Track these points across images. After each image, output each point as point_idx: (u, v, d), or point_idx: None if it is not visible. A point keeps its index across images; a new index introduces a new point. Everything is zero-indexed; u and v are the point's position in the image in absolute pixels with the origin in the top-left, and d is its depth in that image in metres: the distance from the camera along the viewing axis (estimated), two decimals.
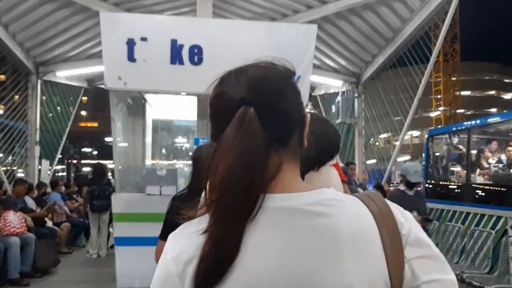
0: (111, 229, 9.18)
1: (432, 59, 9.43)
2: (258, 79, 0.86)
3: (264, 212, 0.81)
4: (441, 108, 39.95)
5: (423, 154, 10.48)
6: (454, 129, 10.37)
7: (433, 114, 40.74)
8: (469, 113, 42.43)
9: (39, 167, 11.32)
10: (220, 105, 0.86)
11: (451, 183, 9.36)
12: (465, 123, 9.86)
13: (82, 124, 34.18)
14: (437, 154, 10.10)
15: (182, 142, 9.36)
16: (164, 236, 2.68)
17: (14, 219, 6.86)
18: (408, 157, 32.27)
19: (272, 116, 0.84)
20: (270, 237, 0.80)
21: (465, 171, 8.95)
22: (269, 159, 0.83)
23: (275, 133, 0.84)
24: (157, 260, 2.61)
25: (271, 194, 0.82)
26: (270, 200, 0.81)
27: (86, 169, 33.29)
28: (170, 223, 2.65)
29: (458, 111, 40.05)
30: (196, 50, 5.66)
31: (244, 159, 0.79)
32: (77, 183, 12.37)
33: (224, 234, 0.79)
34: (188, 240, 0.83)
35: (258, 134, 0.81)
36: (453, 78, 39.49)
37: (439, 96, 39.44)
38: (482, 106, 46.16)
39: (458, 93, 40.13)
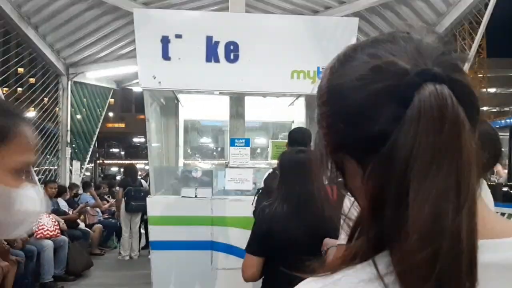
0: (142, 230, 9.11)
1: (472, 54, 9.04)
2: (440, 48, 0.55)
3: (480, 273, 0.49)
4: None
5: None
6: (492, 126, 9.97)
7: None
8: (495, 110, 41.41)
9: (70, 168, 11.33)
10: (378, 77, 0.53)
11: (491, 183, 8.99)
12: (507, 120, 9.47)
13: (110, 125, 34.49)
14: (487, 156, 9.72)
15: (214, 142, 9.21)
16: (252, 249, 2.45)
17: (47, 222, 6.80)
18: None
19: (469, 106, 0.53)
20: None
21: (505, 171, 8.59)
22: None
23: None
24: (244, 276, 2.36)
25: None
26: (481, 251, 0.50)
27: (114, 169, 33.57)
28: (259, 236, 2.46)
29: (485, 108, 39.13)
30: (232, 47, 5.46)
31: (463, 175, 0.48)
32: (108, 184, 12.35)
33: None
34: None
35: (471, 131, 0.50)
36: (479, 75, 38.59)
37: None
38: (510, 103, 44.95)
39: (484, 90, 39.21)
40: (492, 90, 42.34)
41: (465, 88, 0.53)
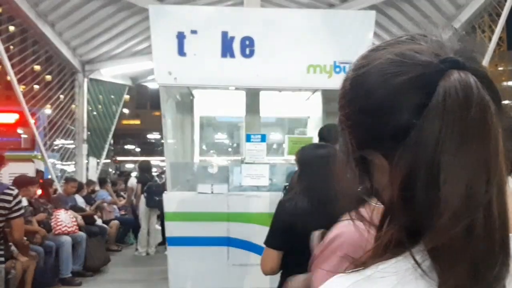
0: (157, 226, 9.14)
1: (492, 46, 8.87)
2: (465, 39, 0.58)
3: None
4: None
5: None
6: None
7: None
8: None
9: (86, 162, 11.42)
10: (402, 70, 0.54)
11: None
12: None
13: (125, 122, 34.75)
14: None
15: (230, 138, 9.20)
16: (271, 243, 2.44)
17: (65, 218, 6.85)
18: None
19: (492, 96, 0.53)
20: None
21: None
22: None
23: None
24: (263, 269, 2.37)
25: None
26: None
27: (129, 166, 33.83)
28: (279, 230, 2.45)
29: (506, 102, 38.49)
30: (247, 42, 5.42)
31: (492, 161, 0.49)
32: (124, 181, 12.43)
33: None
34: None
35: (497, 116, 0.51)
36: (499, 68, 37.97)
37: None
38: None
39: (505, 83, 38.57)
40: None
41: (487, 77, 0.54)
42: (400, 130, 0.53)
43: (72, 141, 11.31)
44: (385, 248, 0.53)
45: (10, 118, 9.09)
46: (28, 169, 8.84)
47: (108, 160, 28.94)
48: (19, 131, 9.73)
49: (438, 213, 0.49)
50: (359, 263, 0.54)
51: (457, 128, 0.49)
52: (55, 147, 10.76)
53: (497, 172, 0.50)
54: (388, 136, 0.54)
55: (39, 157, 9.60)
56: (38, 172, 9.18)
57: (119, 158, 35.07)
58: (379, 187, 0.60)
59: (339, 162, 0.62)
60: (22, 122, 8.95)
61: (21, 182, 5.97)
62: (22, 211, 3.82)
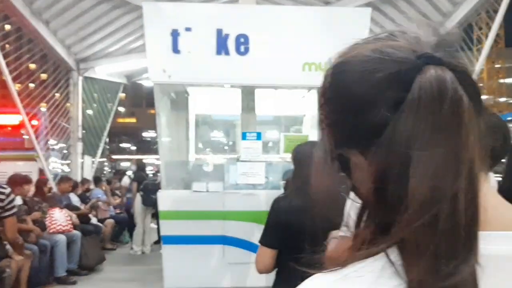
0: (153, 225, 9.13)
1: (489, 43, 8.87)
2: (442, 34, 0.57)
3: (488, 264, 0.49)
4: (483, 97, 38.53)
5: None
6: (510, 118, 9.78)
7: None
8: None
9: (82, 161, 11.38)
10: (379, 66, 0.53)
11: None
12: None
13: (120, 120, 34.63)
14: (494, 146, 9.55)
15: (226, 136, 9.18)
16: (266, 241, 2.43)
17: (60, 217, 6.82)
18: None
19: (470, 90, 0.53)
20: None
21: None
22: None
23: None
24: (258, 267, 2.36)
25: (482, 232, 0.51)
26: (482, 242, 0.50)
27: (124, 164, 33.75)
28: (273, 228, 2.44)
29: (503, 99, 38.60)
30: (242, 40, 5.40)
31: (462, 153, 0.49)
32: (119, 179, 12.38)
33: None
34: None
35: (472, 110, 0.51)
36: (496, 65, 38.04)
37: (481, 84, 38.06)
38: None
39: (502, 80, 38.64)
40: (510, 80, 41.64)
41: (465, 73, 0.54)
42: (377, 127, 0.52)
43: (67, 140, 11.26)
44: (362, 244, 0.53)
45: (15, 119, 9.29)
46: (32, 168, 8.95)
47: (104, 159, 28.90)
48: (22, 131, 9.89)
49: (406, 206, 0.49)
50: (338, 262, 0.54)
51: (429, 122, 0.50)
52: (56, 147, 10.83)
53: (467, 166, 0.49)
54: (366, 134, 0.54)
55: (40, 156, 9.68)
56: (41, 170, 9.33)
57: (114, 157, 34.97)
58: (358, 185, 0.60)
59: (319, 161, 0.62)
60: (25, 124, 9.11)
61: (16, 181, 5.94)
62: (15, 209, 3.80)
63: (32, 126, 9.32)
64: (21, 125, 9.32)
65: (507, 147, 1.35)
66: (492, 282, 0.49)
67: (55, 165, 10.79)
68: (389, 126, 0.51)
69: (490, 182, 1.25)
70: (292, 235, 2.35)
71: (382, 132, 0.52)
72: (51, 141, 10.60)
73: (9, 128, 9.17)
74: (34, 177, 8.02)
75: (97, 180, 10.50)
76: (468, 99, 0.51)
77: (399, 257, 0.50)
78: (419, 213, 0.48)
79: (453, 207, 0.48)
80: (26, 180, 6.38)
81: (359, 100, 0.55)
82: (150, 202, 8.22)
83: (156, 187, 8.04)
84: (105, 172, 23.50)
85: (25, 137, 9.38)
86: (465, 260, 0.48)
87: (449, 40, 0.57)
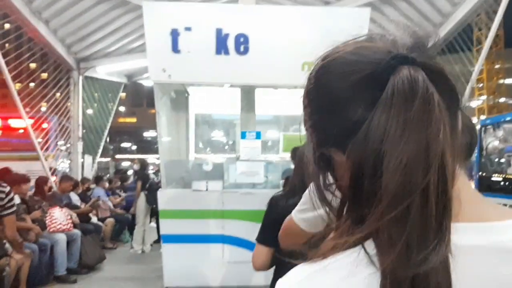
0: (153, 224, 9.14)
1: (487, 44, 8.89)
2: (419, 35, 0.60)
3: (465, 255, 0.51)
4: (483, 97, 38.51)
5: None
6: (509, 118, 9.81)
7: (475, 104, 39.33)
8: None
9: (82, 160, 11.41)
10: (355, 69, 0.56)
11: (508, 176, 8.85)
12: None
13: (121, 120, 34.66)
14: (491, 145, 9.57)
15: (226, 135, 9.19)
16: (262, 239, 2.45)
17: (60, 216, 6.83)
18: None
19: (445, 89, 0.56)
20: None
21: None
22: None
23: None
24: (254, 265, 2.38)
25: (453, 223, 0.52)
26: (456, 232, 0.52)
27: (125, 164, 33.76)
28: (270, 226, 2.45)
29: (502, 100, 38.57)
30: (242, 39, 5.42)
31: (432, 148, 0.51)
32: (120, 178, 12.40)
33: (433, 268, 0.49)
34: None
35: (442, 107, 0.53)
36: (496, 66, 38.02)
37: (481, 85, 38.03)
38: None
39: (502, 81, 38.62)
40: (510, 81, 41.58)
41: (439, 73, 0.56)
42: (356, 125, 0.55)
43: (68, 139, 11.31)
44: (341, 236, 0.55)
45: (27, 123, 9.67)
46: (41, 167, 9.35)
47: (109, 159, 28.95)
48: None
49: (379, 200, 0.51)
50: (320, 253, 0.56)
51: (401, 118, 0.51)
52: (62, 147, 11.12)
53: (437, 159, 0.51)
54: (346, 132, 0.56)
55: (51, 156, 10.28)
56: (50, 169, 9.73)
57: (118, 157, 35.01)
58: (340, 182, 0.62)
59: (308, 161, 0.64)
60: (36, 126, 9.68)
61: (13, 180, 5.94)
62: (14, 208, 3.81)
63: (43, 129, 9.88)
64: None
65: (473, 145, 1.43)
66: (466, 272, 0.51)
67: (64, 165, 11.19)
68: (365, 124, 0.54)
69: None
70: None
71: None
72: (60, 142, 11.02)
73: (21, 131, 9.58)
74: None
75: (98, 179, 10.52)
76: (439, 96, 0.53)
77: (374, 248, 0.52)
78: (391, 206, 0.50)
79: (424, 200, 0.50)
80: (24, 179, 6.40)
81: (338, 101, 0.57)
82: (155, 201, 8.22)
83: (159, 186, 8.08)
84: (109, 172, 23.47)
85: (39, 140, 9.80)
86: (435, 250, 0.49)
87: (426, 41, 0.59)
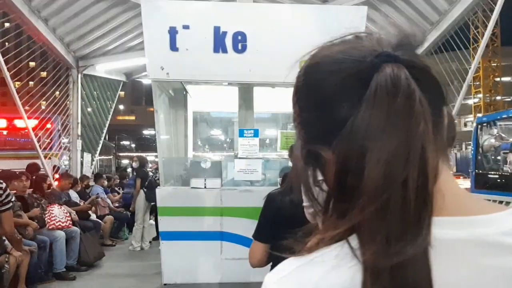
0: (151, 221, 9.17)
1: (484, 42, 8.91)
2: (405, 34, 0.61)
3: (434, 248, 0.52)
4: (479, 95, 38.53)
5: (471, 142, 10.03)
6: (505, 115, 9.85)
7: (472, 101, 39.34)
8: (509, 99, 40.77)
9: (81, 159, 11.44)
10: (341, 67, 0.58)
11: (504, 173, 8.90)
12: None
13: (120, 118, 34.65)
14: (487, 142, 9.61)
15: (224, 133, 9.22)
16: (259, 236, 2.47)
17: (59, 213, 6.86)
18: None
19: (429, 86, 0.57)
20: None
21: None
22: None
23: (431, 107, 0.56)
24: (251, 262, 2.40)
25: (435, 217, 0.53)
26: (437, 226, 0.53)
27: (126, 161, 33.72)
28: (266, 223, 2.47)
29: (499, 97, 38.60)
30: (240, 37, 5.45)
31: (412, 143, 0.52)
32: (119, 176, 12.42)
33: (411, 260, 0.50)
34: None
35: (424, 104, 0.54)
36: (493, 64, 38.04)
37: (477, 83, 38.04)
38: None
39: (498, 79, 38.65)
40: (506, 79, 41.60)
41: (423, 70, 0.58)
42: (342, 122, 0.56)
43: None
44: (326, 231, 0.57)
45: (31, 123, 9.92)
46: (46, 166, 9.53)
47: (111, 157, 28.93)
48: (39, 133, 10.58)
49: (360, 193, 0.52)
50: (307, 247, 0.58)
51: (383, 114, 0.53)
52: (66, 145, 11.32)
53: (417, 153, 0.52)
54: (332, 130, 0.57)
55: (55, 155, 10.52)
56: (54, 167, 9.99)
57: (121, 154, 34.98)
58: (328, 178, 0.63)
59: (297, 159, 0.65)
60: (40, 126, 10.06)
61: (5, 176, 5.96)
62: (11, 204, 3.84)
63: (47, 129, 10.17)
64: (35, 128, 9.97)
65: (451, 140, 1.47)
66: (447, 264, 0.53)
67: (63, 163, 11.30)
68: (349, 120, 0.56)
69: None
70: (284, 230, 2.39)
71: None
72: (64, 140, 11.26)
73: (26, 131, 9.84)
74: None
75: (97, 176, 10.55)
76: (422, 92, 0.54)
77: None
78: (371, 199, 0.51)
79: (404, 193, 0.51)
80: (15, 176, 6.47)
81: (326, 98, 0.59)
82: (154, 199, 8.22)
83: (157, 184, 8.09)
84: (112, 170, 23.46)
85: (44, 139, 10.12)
86: (412, 242, 0.50)
87: (412, 39, 0.60)
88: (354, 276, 0.52)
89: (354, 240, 0.54)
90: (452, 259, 0.53)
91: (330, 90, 0.58)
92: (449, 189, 0.57)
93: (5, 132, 12.30)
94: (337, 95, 0.58)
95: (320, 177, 0.64)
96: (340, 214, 0.56)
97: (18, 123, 11.20)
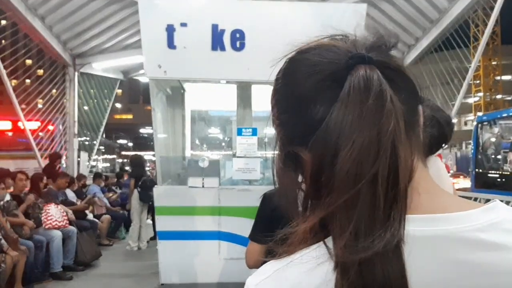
0: (149, 221, 9.11)
1: (484, 41, 8.88)
2: (379, 36, 0.63)
3: (407, 244, 0.53)
4: (480, 94, 38.58)
5: (471, 142, 10.00)
6: (505, 114, 9.83)
7: (472, 100, 39.38)
8: (509, 98, 40.84)
9: (78, 159, 11.39)
10: (317, 68, 0.59)
11: (504, 172, 8.87)
12: None
13: (117, 116, 34.60)
14: (488, 141, 9.59)
15: (222, 132, 9.17)
16: (255, 236, 2.44)
17: (56, 213, 6.81)
18: None
19: (402, 86, 0.59)
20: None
21: None
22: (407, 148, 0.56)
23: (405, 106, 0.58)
24: (248, 263, 2.38)
25: (410, 215, 0.54)
26: (412, 223, 0.54)
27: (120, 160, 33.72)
28: (263, 223, 2.43)
29: (499, 96, 38.67)
30: (238, 35, 5.40)
31: (382, 141, 0.53)
32: (116, 175, 12.37)
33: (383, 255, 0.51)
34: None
35: (395, 103, 0.55)
36: (493, 62, 38.10)
37: (477, 81, 38.09)
38: None
39: (498, 77, 38.71)
40: (507, 77, 41.60)
41: (397, 70, 0.59)
42: (318, 123, 0.57)
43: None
44: (310, 234, 0.57)
45: (34, 125, 10.28)
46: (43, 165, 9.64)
47: (114, 156, 29.02)
48: (40, 134, 10.85)
49: (331, 189, 0.54)
50: (284, 249, 0.59)
51: (356, 113, 0.54)
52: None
53: (387, 151, 0.53)
54: (309, 131, 0.58)
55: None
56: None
57: (125, 153, 34.98)
58: (306, 180, 0.64)
59: (277, 161, 0.66)
60: (42, 128, 10.35)
61: None
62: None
63: (48, 130, 10.53)
64: (37, 130, 10.24)
65: (444, 134, 1.42)
66: (421, 261, 0.54)
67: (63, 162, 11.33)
68: (324, 121, 0.56)
69: (438, 164, 1.32)
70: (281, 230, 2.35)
71: None
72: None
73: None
74: None
75: (95, 176, 10.49)
76: (394, 92, 0.55)
77: None
78: (341, 194, 0.53)
79: (373, 190, 0.52)
80: (8, 173, 6.44)
81: (303, 100, 0.60)
82: (148, 199, 8.17)
83: (153, 183, 8.02)
84: (116, 170, 23.45)
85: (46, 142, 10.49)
86: (380, 237, 0.51)
87: (385, 41, 0.62)
88: (330, 275, 0.53)
89: (330, 241, 0.55)
90: (426, 255, 0.54)
91: (307, 91, 0.60)
92: (425, 187, 0.59)
93: (10, 134, 12.79)
94: (313, 96, 0.59)
95: (300, 179, 0.65)
96: (313, 211, 0.57)
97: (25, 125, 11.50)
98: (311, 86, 0.59)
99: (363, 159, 0.53)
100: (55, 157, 9.47)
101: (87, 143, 12.18)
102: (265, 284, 0.59)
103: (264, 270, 0.61)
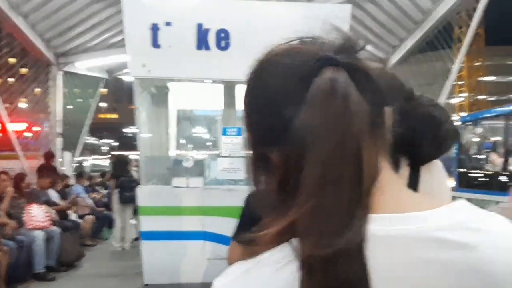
0: (133, 221, 9.06)
1: (467, 42, 9.00)
2: (347, 38, 0.63)
3: (371, 243, 0.53)
4: (463, 94, 39.05)
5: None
6: (488, 115, 9.97)
7: (455, 101, 39.85)
8: (493, 99, 41.41)
9: (61, 159, 11.26)
10: (286, 71, 0.60)
11: (485, 172, 9.00)
12: (502, 108, 9.45)
13: (102, 116, 34.26)
14: (470, 141, 9.72)
15: (208, 132, 9.15)
16: (238, 237, 2.43)
17: (38, 213, 6.74)
18: None
19: (368, 87, 0.59)
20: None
21: (501, 159, 8.60)
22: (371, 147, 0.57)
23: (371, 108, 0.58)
24: (230, 263, 2.39)
25: (374, 214, 0.55)
26: (375, 223, 0.55)
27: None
28: (246, 224, 2.42)
29: (482, 97, 39.17)
30: (223, 35, 5.39)
31: (347, 143, 0.54)
32: (101, 175, 12.26)
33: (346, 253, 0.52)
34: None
35: (361, 105, 0.56)
36: (476, 63, 38.57)
37: (461, 82, 38.54)
38: (508, 91, 44.83)
39: (482, 78, 39.20)
40: (490, 78, 42.14)
41: (363, 72, 0.59)
42: (287, 125, 0.57)
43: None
44: (279, 234, 0.57)
45: (19, 126, 10.41)
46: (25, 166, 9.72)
47: (106, 156, 28.71)
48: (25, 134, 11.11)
49: (299, 193, 0.54)
50: (252, 250, 0.59)
51: (322, 116, 0.55)
52: None
53: (352, 153, 0.54)
54: (279, 132, 0.59)
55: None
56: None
57: (115, 153, 34.61)
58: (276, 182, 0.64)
59: (248, 163, 0.66)
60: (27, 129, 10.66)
61: None
62: None
63: (35, 132, 10.83)
64: (25, 131, 10.53)
65: (439, 145, 1.25)
66: (383, 260, 0.54)
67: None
68: (292, 123, 0.57)
69: (440, 175, 1.25)
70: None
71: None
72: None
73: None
74: None
75: (78, 175, 10.40)
76: (360, 94, 0.56)
77: None
78: (309, 197, 0.53)
79: (337, 190, 0.53)
80: None
81: (273, 102, 0.60)
82: (125, 199, 8.12)
83: (132, 184, 7.95)
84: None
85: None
86: (343, 235, 0.52)
87: (354, 42, 0.62)
88: (296, 274, 0.53)
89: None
90: (390, 255, 0.55)
91: (275, 93, 0.61)
92: (390, 187, 0.60)
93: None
94: (282, 98, 0.60)
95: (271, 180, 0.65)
96: (283, 214, 0.57)
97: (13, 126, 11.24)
98: (280, 88, 0.60)
99: (330, 162, 0.53)
100: (49, 155, 9.61)
101: (71, 143, 12.01)
102: (233, 285, 0.60)
103: (232, 271, 0.62)
